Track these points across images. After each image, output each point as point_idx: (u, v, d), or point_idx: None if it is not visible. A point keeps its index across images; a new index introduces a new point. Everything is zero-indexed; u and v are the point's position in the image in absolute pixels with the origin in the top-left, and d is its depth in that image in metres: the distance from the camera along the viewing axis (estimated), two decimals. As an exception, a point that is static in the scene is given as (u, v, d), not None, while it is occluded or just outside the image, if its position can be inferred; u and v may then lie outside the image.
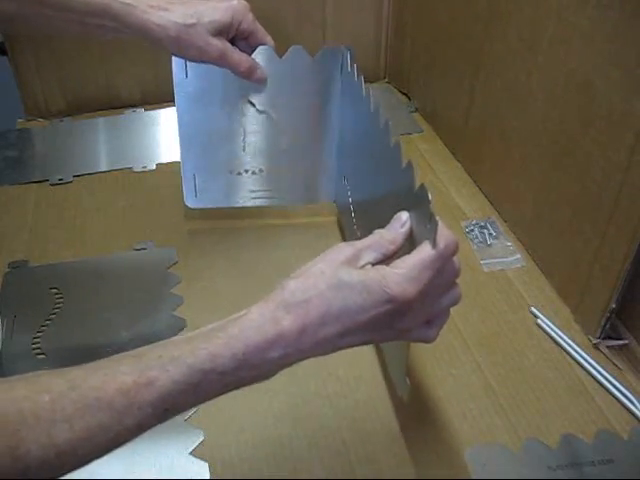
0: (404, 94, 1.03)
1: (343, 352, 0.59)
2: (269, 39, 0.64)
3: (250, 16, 0.61)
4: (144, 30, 0.57)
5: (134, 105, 0.97)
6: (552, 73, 0.62)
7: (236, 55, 0.61)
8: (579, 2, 0.57)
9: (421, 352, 0.59)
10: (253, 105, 0.68)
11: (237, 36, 0.62)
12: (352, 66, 0.63)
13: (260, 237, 0.74)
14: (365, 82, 0.58)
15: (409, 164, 0.44)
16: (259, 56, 0.65)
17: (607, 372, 0.57)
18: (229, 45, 0.61)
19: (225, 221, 0.76)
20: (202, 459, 0.50)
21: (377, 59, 1.04)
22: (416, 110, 0.99)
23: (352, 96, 0.64)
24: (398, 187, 0.47)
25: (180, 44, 0.57)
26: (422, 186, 0.41)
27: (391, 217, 0.45)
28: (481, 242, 0.72)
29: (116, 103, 0.97)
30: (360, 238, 0.65)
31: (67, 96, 0.95)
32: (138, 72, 0.95)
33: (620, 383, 0.56)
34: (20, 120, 0.95)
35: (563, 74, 0.60)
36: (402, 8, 0.98)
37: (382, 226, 0.44)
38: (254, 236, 0.74)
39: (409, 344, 0.46)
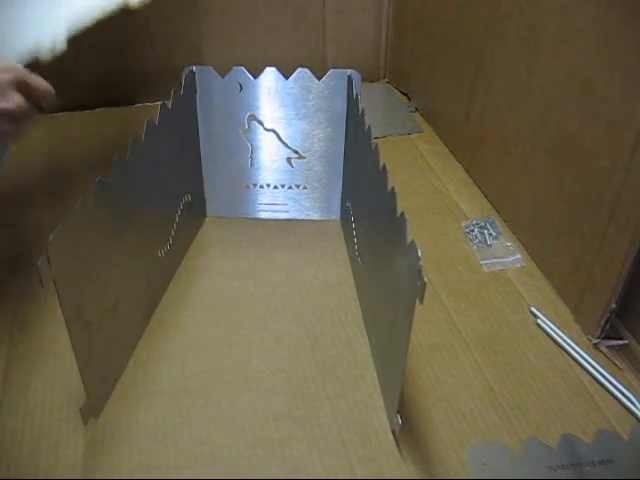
0: (404, 94, 1.03)
1: (343, 352, 0.59)
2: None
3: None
4: None
5: (133, 103, 0.98)
6: (552, 73, 0.62)
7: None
8: (579, 2, 0.57)
9: (421, 352, 0.59)
10: (261, 123, 0.72)
11: None
12: (356, 88, 0.65)
13: (260, 237, 0.74)
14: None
15: (392, 190, 0.48)
16: (264, 77, 0.68)
17: (607, 372, 0.57)
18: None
19: (225, 221, 0.76)
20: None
21: (377, 59, 1.04)
22: (416, 110, 0.99)
23: (353, 116, 0.66)
24: (384, 208, 0.51)
25: None
26: (402, 214, 0.45)
27: (382, 236, 0.47)
28: (481, 242, 0.72)
29: (114, 99, 0.98)
30: (360, 254, 0.67)
31: (67, 94, 0.95)
32: (136, 72, 0.96)
33: (620, 383, 0.56)
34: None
35: (563, 74, 0.60)
36: (402, 8, 0.98)
37: (375, 243, 0.45)
38: (254, 236, 0.74)
39: (402, 381, 0.48)
